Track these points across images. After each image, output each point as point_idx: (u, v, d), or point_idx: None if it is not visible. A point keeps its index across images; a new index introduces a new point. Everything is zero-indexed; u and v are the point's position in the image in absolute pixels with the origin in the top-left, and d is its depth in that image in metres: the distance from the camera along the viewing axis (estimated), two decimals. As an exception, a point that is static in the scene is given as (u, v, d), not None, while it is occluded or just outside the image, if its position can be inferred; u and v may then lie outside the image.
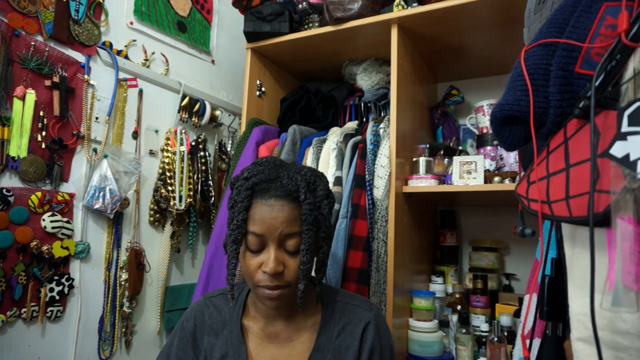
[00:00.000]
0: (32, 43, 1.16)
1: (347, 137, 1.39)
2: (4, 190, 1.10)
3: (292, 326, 0.84)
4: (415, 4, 1.30)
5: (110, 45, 1.39)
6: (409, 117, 1.41)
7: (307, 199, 0.76)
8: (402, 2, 1.33)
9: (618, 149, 0.48)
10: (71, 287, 1.25)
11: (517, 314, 1.34)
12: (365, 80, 1.56)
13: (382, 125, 1.36)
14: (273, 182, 0.77)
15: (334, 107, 1.64)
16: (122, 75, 1.43)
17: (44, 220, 1.18)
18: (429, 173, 1.34)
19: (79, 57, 1.30)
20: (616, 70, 0.52)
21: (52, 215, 1.20)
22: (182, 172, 1.55)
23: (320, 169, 1.35)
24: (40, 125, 1.18)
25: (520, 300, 1.40)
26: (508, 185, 1.20)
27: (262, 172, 0.79)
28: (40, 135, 1.18)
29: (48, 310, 1.19)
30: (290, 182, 0.77)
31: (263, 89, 1.65)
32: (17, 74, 1.14)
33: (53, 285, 1.20)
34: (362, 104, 1.57)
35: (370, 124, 1.37)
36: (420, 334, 1.28)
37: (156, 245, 1.54)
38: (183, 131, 1.59)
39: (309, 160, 1.40)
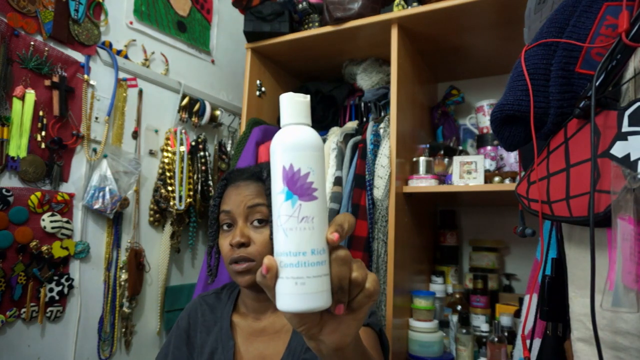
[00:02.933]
0: (32, 43, 1.16)
1: (347, 137, 1.39)
2: (4, 190, 1.10)
3: (279, 320, 0.85)
4: (415, 4, 1.30)
5: (110, 45, 1.39)
6: (409, 117, 1.41)
7: (269, 176, 0.81)
8: (402, 2, 1.32)
9: (618, 149, 0.48)
10: (71, 287, 1.25)
11: (517, 314, 1.34)
12: (365, 80, 1.56)
13: (382, 125, 1.36)
14: (243, 171, 0.87)
15: (334, 107, 1.64)
16: (121, 75, 1.42)
17: (43, 220, 1.18)
18: (429, 173, 1.34)
19: (79, 57, 1.30)
20: (617, 70, 0.52)
21: (52, 215, 1.20)
22: (182, 172, 1.55)
23: (320, 169, 1.35)
24: (39, 125, 1.18)
25: (521, 301, 1.40)
26: (508, 185, 1.19)
27: (238, 167, 0.90)
28: (39, 135, 1.18)
29: (48, 310, 1.19)
30: (256, 168, 0.87)
31: (263, 88, 1.65)
32: (17, 73, 1.14)
33: (53, 285, 1.20)
34: (362, 104, 1.57)
35: (370, 123, 1.37)
36: (421, 334, 1.28)
37: (156, 245, 1.54)
38: (183, 131, 1.59)
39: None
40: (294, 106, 0.42)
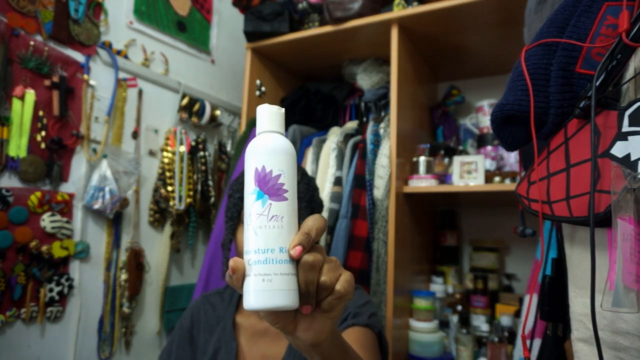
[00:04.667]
0: (32, 43, 1.16)
1: (347, 137, 1.38)
2: (4, 190, 1.10)
3: None
4: (415, 3, 1.30)
5: (110, 45, 1.39)
6: (409, 117, 1.41)
7: (303, 180, 0.87)
8: (403, 2, 1.32)
9: (619, 149, 0.48)
10: (71, 287, 1.25)
11: (517, 314, 1.34)
12: (366, 80, 1.56)
13: (382, 125, 1.36)
14: None
15: (334, 107, 1.64)
16: (121, 75, 1.42)
17: (43, 220, 1.18)
18: (429, 173, 1.34)
19: (79, 56, 1.30)
20: (617, 70, 0.52)
21: (52, 215, 1.20)
22: (181, 172, 1.55)
23: (320, 169, 1.35)
24: (39, 125, 1.18)
25: (521, 301, 1.40)
26: (508, 185, 1.19)
27: None
28: (39, 135, 1.18)
29: (47, 310, 1.19)
30: None
31: (263, 88, 1.65)
32: (17, 73, 1.14)
33: (52, 285, 1.20)
34: (362, 104, 1.57)
35: (370, 123, 1.37)
36: (421, 334, 1.28)
37: (156, 246, 1.54)
38: (183, 131, 1.59)
39: (308, 160, 1.40)
40: (269, 116, 0.45)
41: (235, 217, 0.85)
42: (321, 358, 0.47)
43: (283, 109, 0.46)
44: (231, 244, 0.88)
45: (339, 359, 0.50)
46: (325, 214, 1.24)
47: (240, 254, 0.82)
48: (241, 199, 0.83)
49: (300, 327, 0.44)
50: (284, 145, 0.44)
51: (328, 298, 0.42)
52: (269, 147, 0.43)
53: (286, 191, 0.42)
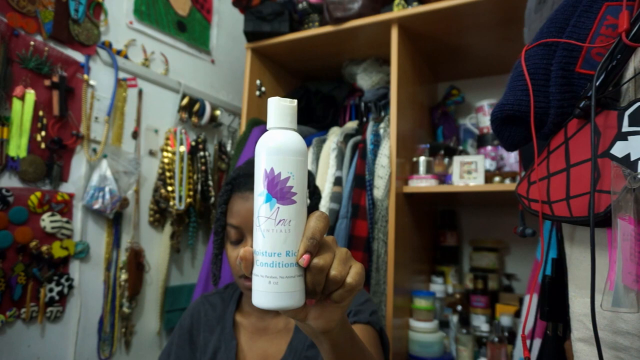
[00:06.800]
0: (32, 43, 1.16)
1: (347, 137, 1.39)
2: (4, 190, 1.10)
3: (282, 319, 0.85)
4: (415, 4, 1.30)
5: (110, 45, 1.39)
6: (409, 117, 1.41)
7: None
8: (403, 2, 1.32)
9: (619, 149, 0.48)
10: (71, 287, 1.25)
11: (517, 314, 1.34)
12: (366, 80, 1.56)
13: (382, 125, 1.36)
14: (251, 176, 0.78)
15: (334, 107, 1.64)
16: (121, 75, 1.42)
17: (43, 220, 1.18)
18: (429, 173, 1.34)
19: (79, 56, 1.30)
20: (617, 70, 0.52)
21: (52, 215, 1.20)
22: (181, 172, 1.55)
23: (320, 169, 1.35)
24: (39, 125, 1.18)
25: (521, 301, 1.40)
26: (508, 185, 1.19)
27: (244, 168, 0.81)
28: (39, 135, 1.18)
29: (47, 310, 1.19)
30: None
31: (263, 88, 1.65)
32: (17, 73, 1.14)
33: (52, 285, 1.20)
34: (362, 104, 1.57)
35: (370, 123, 1.37)
36: (421, 334, 1.28)
37: (156, 246, 1.54)
38: (183, 131, 1.59)
39: (308, 161, 1.40)
40: (280, 110, 0.43)
41: (220, 232, 0.82)
42: (330, 344, 0.48)
43: (295, 102, 0.44)
44: (218, 259, 0.85)
45: (347, 346, 0.51)
46: (325, 214, 1.24)
47: (231, 268, 0.80)
48: (223, 213, 0.80)
49: (311, 316, 0.45)
50: (295, 144, 0.42)
51: (339, 290, 0.43)
52: (278, 147, 0.42)
53: (294, 194, 0.41)
